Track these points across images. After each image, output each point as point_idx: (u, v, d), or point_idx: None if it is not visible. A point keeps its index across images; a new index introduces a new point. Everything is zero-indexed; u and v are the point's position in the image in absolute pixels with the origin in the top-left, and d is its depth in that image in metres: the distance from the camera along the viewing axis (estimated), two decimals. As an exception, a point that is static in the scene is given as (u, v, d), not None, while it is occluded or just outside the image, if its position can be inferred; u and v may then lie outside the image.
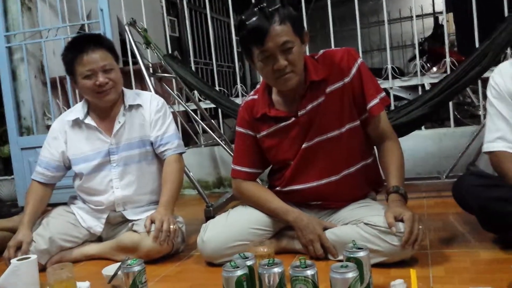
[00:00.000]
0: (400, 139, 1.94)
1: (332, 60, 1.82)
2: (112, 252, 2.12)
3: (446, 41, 3.42)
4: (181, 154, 2.26)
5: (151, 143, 2.22)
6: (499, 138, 1.79)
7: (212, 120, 3.67)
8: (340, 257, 1.71)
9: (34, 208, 2.16)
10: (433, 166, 3.15)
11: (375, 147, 1.95)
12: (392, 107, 3.32)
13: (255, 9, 1.68)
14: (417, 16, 3.71)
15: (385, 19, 3.53)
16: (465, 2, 3.31)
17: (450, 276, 1.57)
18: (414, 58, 4.17)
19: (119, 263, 1.69)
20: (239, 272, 1.34)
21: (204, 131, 3.76)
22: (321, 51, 1.89)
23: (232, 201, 3.03)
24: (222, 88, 3.90)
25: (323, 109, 1.81)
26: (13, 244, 2.00)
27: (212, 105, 3.63)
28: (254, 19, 1.67)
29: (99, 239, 2.25)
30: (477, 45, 3.04)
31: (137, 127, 2.20)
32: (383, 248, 1.65)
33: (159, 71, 3.53)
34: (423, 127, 3.26)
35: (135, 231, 2.05)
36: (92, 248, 2.19)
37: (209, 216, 2.65)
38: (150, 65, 3.51)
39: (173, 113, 2.61)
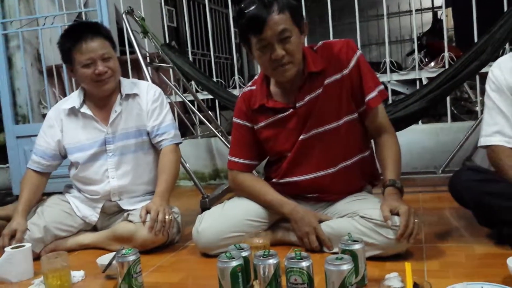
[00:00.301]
0: (397, 133, 1.93)
1: (331, 52, 1.81)
2: (107, 241, 2.12)
3: (445, 36, 3.42)
4: (177, 144, 2.25)
5: (148, 133, 2.21)
6: (496, 132, 1.79)
7: (209, 112, 3.66)
8: (336, 250, 1.72)
9: (29, 197, 2.15)
10: (429, 161, 3.16)
11: (372, 140, 1.95)
12: (390, 101, 3.31)
13: None
14: (416, 10, 3.70)
15: (384, 13, 3.52)
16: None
17: (445, 270, 1.58)
18: (412, 52, 4.17)
19: (113, 253, 1.69)
20: (234, 263, 1.34)
21: (201, 122, 3.75)
22: (320, 42, 1.88)
23: (228, 193, 3.03)
24: (219, 79, 3.89)
25: (321, 101, 1.80)
26: (8, 232, 1.99)
27: (210, 96, 3.63)
28: (252, 7, 1.66)
29: (94, 228, 2.25)
30: (475, 40, 3.03)
31: (134, 117, 2.19)
32: (379, 241, 1.65)
33: (156, 60, 3.50)
34: (420, 122, 3.27)
35: (130, 221, 2.04)
36: (87, 238, 2.19)
37: (204, 207, 2.65)
38: (147, 54, 3.49)
39: (170, 104, 2.60)
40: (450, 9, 5.68)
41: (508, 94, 1.78)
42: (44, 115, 3.89)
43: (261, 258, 1.35)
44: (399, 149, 1.87)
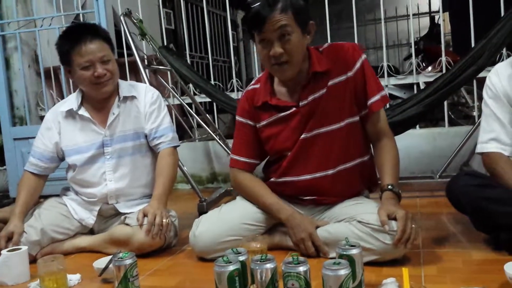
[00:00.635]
0: (394, 137, 1.94)
1: (337, 53, 1.83)
2: (104, 245, 2.11)
3: (442, 41, 3.43)
4: (175, 147, 2.25)
5: (145, 136, 2.21)
6: (492, 139, 1.79)
7: (207, 115, 3.66)
8: (333, 255, 1.71)
9: (26, 199, 2.14)
10: (426, 166, 3.16)
11: (371, 145, 1.95)
12: (387, 106, 3.32)
13: None
14: (413, 15, 3.70)
15: (382, 17, 3.53)
16: (462, 2, 3.31)
17: (442, 275, 1.58)
18: (409, 56, 4.17)
19: (110, 256, 1.68)
20: (231, 267, 1.34)
21: (199, 125, 3.75)
22: (326, 44, 1.90)
23: (225, 197, 3.03)
24: (217, 82, 3.88)
25: (324, 101, 1.81)
26: (4, 234, 1.99)
27: (207, 99, 3.62)
28: (257, 4, 1.69)
29: (91, 231, 2.24)
30: (472, 45, 3.04)
31: (132, 119, 2.18)
32: (376, 246, 1.65)
33: (154, 63, 3.50)
34: (417, 126, 3.27)
35: (127, 224, 2.04)
36: (84, 241, 2.18)
37: (202, 211, 2.64)
38: (145, 57, 3.48)
39: (168, 107, 2.59)
40: (447, 13, 5.70)
41: (505, 101, 1.78)
42: (41, 117, 3.89)
43: (258, 262, 1.34)
44: (397, 154, 1.87)
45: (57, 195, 2.31)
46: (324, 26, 3.53)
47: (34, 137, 2.26)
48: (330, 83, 1.81)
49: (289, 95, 1.87)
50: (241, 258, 1.43)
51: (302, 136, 1.84)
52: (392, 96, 4.16)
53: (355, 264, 1.39)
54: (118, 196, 2.18)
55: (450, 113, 4.19)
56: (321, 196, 1.90)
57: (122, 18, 3.17)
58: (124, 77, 3.69)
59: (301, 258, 1.31)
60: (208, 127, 3.55)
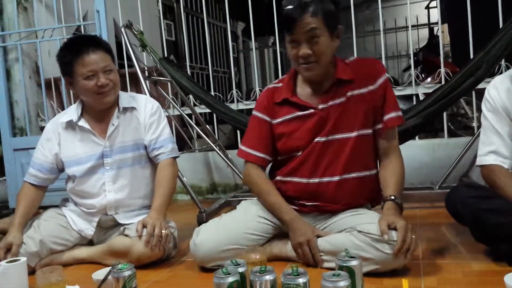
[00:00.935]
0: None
1: (362, 67, 1.90)
2: (103, 256, 2.10)
3: (441, 52, 3.44)
4: (175, 158, 2.25)
5: (145, 147, 2.21)
6: (491, 152, 1.80)
7: (207, 125, 3.66)
8: (332, 265, 1.71)
9: (25, 210, 2.14)
10: (426, 176, 3.16)
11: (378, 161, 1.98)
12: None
13: None
14: (412, 26, 3.73)
15: (381, 28, 3.55)
16: (460, 14, 3.34)
17: (442, 286, 1.58)
18: (408, 68, 4.20)
19: (109, 268, 1.68)
20: (230, 279, 1.34)
21: (199, 136, 3.75)
22: (352, 57, 1.99)
23: (225, 207, 3.02)
24: (217, 93, 3.90)
25: (342, 109, 1.86)
26: (3, 246, 1.98)
27: (207, 110, 3.63)
28: (290, 7, 1.76)
29: (90, 242, 2.24)
30: (471, 56, 3.06)
31: (131, 130, 2.19)
32: (376, 256, 1.65)
33: (155, 74, 3.52)
34: (417, 137, 3.27)
35: (126, 235, 2.04)
36: (83, 252, 2.17)
37: (201, 222, 2.64)
38: (146, 68, 3.50)
39: (168, 117, 2.60)
40: (446, 25, 5.73)
41: (503, 114, 1.79)
42: (42, 128, 3.89)
43: (258, 274, 1.34)
44: (403, 171, 1.90)
45: (57, 206, 2.31)
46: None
47: (34, 148, 2.26)
48: (350, 93, 1.86)
49: (310, 96, 1.92)
50: (241, 269, 1.43)
51: (317, 139, 1.88)
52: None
53: (355, 275, 1.39)
54: (118, 207, 2.18)
55: (449, 124, 4.21)
56: (323, 202, 1.91)
57: (123, 29, 3.19)
58: (124, 88, 3.70)
59: (301, 270, 1.31)
60: (208, 138, 3.56)
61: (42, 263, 2.06)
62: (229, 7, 3.81)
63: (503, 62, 3.07)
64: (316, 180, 1.89)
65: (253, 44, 4.08)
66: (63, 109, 3.64)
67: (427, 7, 8.02)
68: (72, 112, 2.21)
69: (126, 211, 2.19)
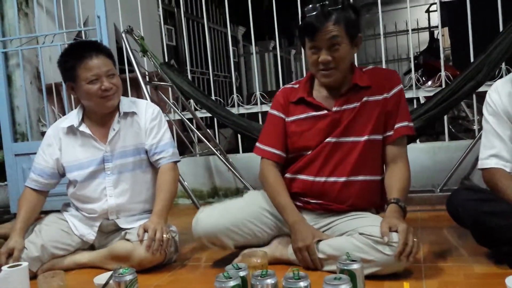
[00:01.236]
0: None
1: (379, 75, 1.95)
2: (104, 260, 2.10)
3: (442, 55, 3.45)
4: (175, 162, 2.25)
5: (146, 151, 2.21)
6: (492, 155, 1.80)
7: (207, 130, 3.67)
8: (333, 268, 1.71)
9: (26, 215, 2.14)
10: (427, 180, 3.15)
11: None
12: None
13: (317, 5, 1.81)
14: (412, 30, 3.73)
15: (381, 32, 3.56)
16: (461, 17, 3.34)
17: (444, 290, 1.57)
18: (409, 71, 4.20)
19: (111, 272, 1.68)
20: (231, 283, 1.34)
21: (200, 140, 3.75)
22: (370, 66, 2.04)
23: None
24: (218, 98, 3.90)
25: (356, 114, 1.90)
26: (5, 251, 1.98)
27: (208, 115, 3.64)
28: (313, 14, 1.81)
29: (92, 247, 2.24)
30: (472, 59, 3.06)
31: (132, 135, 2.19)
32: (377, 257, 1.65)
33: (156, 79, 3.53)
34: (417, 141, 3.27)
35: (128, 239, 2.04)
36: (84, 257, 2.17)
37: (202, 225, 2.63)
38: (147, 73, 3.51)
39: (169, 122, 2.61)
40: (446, 28, 5.73)
41: (505, 118, 1.80)
42: (43, 133, 3.90)
43: (259, 278, 1.34)
44: (409, 179, 1.91)
45: (58, 211, 2.31)
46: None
47: (35, 153, 2.26)
48: (366, 98, 1.90)
49: (325, 99, 1.96)
50: (242, 273, 1.43)
51: (328, 139, 1.91)
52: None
53: (356, 279, 1.39)
54: (119, 212, 2.18)
55: (450, 127, 4.20)
56: (328, 201, 1.93)
57: (123, 35, 3.21)
58: (125, 93, 3.70)
59: (302, 274, 1.31)
60: (209, 142, 3.56)
61: (44, 268, 2.06)
62: (230, 12, 3.82)
63: (503, 66, 3.07)
64: (323, 179, 1.92)
65: (253, 48, 4.09)
66: (64, 114, 3.65)
67: (428, 11, 8.03)
68: (73, 117, 2.21)
69: (127, 215, 2.19)
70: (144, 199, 2.23)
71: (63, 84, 2.90)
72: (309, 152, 1.94)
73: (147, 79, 3.36)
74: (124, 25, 3.52)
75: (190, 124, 3.67)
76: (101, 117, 2.18)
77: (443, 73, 3.29)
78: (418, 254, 1.87)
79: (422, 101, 3.41)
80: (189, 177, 3.40)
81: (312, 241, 1.83)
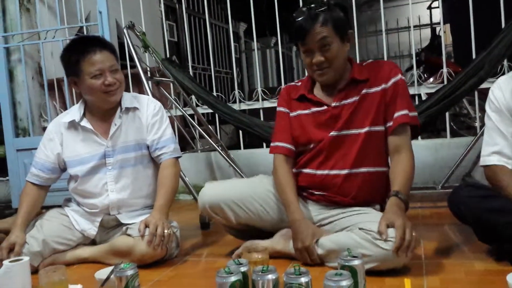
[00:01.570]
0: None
1: (377, 67, 1.97)
2: (105, 255, 2.11)
3: (443, 52, 3.44)
4: (177, 158, 2.25)
5: (147, 147, 2.21)
6: (495, 152, 1.80)
7: (209, 126, 3.67)
8: (334, 264, 1.71)
9: (28, 210, 2.14)
10: (428, 176, 3.15)
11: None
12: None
13: (304, 8, 1.89)
14: (414, 26, 3.73)
15: (383, 29, 3.55)
16: (463, 14, 3.33)
17: (445, 286, 1.57)
18: (411, 68, 4.19)
19: (112, 267, 1.68)
20: (233, 278, 1.34)
21: (201, 136, 3.75)
22: (370, 60, 2.07)
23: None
24: (219, 94, 3.90)
25: (355, 107, 1.92)
26: (6, 245, 1.99)
27: (209, 110, 3.63)
28: (301, 18, 1.87)
29: (93, 242, 2.24)
30: (473, 56, 3.05)
31: (134, 130, 2.19)
32: (375, 252, 1.65)
33: (157, 75, 3.52)
34: (419, 137, 3.27)
35: (129, 235, 2.04)
36: (86, 251, 2.18)
37: (204, 222, 2.64)
38: (148, 69, 3.50)
39: (170, 118, 2.60)
40: (448, 25, 5.73)
41: (507, 115, 1.79)
42: (44, 128, 3.90)
43: (260, 273, 1.34)
44: (413, 169, 1.91)
45: (59, 206, 2.31)
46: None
47: (37, 148, 2.26)
48: (364, 91, 1.92)
49: (325, 96, 2.01)
50: (243, 269, 1.43)
51: (331, 133, 1.94)
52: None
53: (357, 275, 1.39)
54: (120, 207, 2.18)
55: (452, 123, 4.20)
56: (331, 193, 1.95)
57: (125, 30, 3.20)
58: (127, 89, 3.69)
59: (303, 269, 1.31)
60: (210, 138, 3.56)
61: (45, 263, 2.07)
62: (231, 8, 3.82)
63: (505, 62, 3.06)
64: (325, 172, 1.95)
65: (255, 44, 4.10)
66: (65, 109, 3.65)
67: (429, 7, 8.01)
68: (75, 112, 2.21)
69: (129, 210, 2.20)
70: (146, 194, 2.23)
71: (65, 79, 2.91)
72: (312, 146, 1.98)
73: (149, 75, 3.35)
74: (125, 21, 3.51)
75: (191, 120, 3.67)
76: (103, 112, 2.18)
77: (445, 69, 3.29)
78: (419, 251, 1.88)
79: (423, 97, 3.40)
80: (190, 173, 3.40)
81: (312, 241, 1.83)
